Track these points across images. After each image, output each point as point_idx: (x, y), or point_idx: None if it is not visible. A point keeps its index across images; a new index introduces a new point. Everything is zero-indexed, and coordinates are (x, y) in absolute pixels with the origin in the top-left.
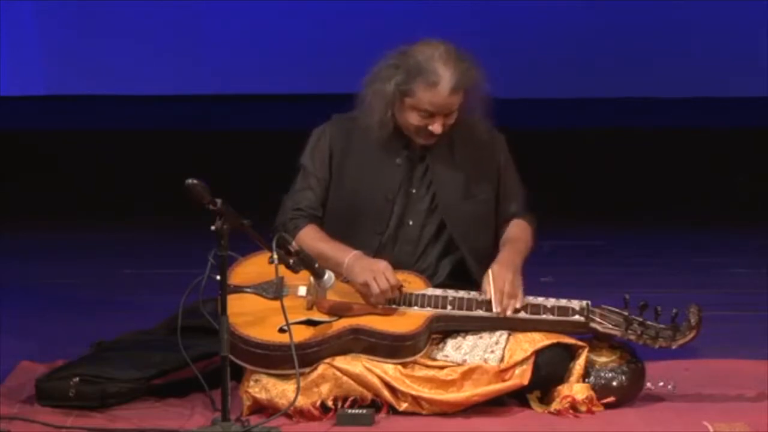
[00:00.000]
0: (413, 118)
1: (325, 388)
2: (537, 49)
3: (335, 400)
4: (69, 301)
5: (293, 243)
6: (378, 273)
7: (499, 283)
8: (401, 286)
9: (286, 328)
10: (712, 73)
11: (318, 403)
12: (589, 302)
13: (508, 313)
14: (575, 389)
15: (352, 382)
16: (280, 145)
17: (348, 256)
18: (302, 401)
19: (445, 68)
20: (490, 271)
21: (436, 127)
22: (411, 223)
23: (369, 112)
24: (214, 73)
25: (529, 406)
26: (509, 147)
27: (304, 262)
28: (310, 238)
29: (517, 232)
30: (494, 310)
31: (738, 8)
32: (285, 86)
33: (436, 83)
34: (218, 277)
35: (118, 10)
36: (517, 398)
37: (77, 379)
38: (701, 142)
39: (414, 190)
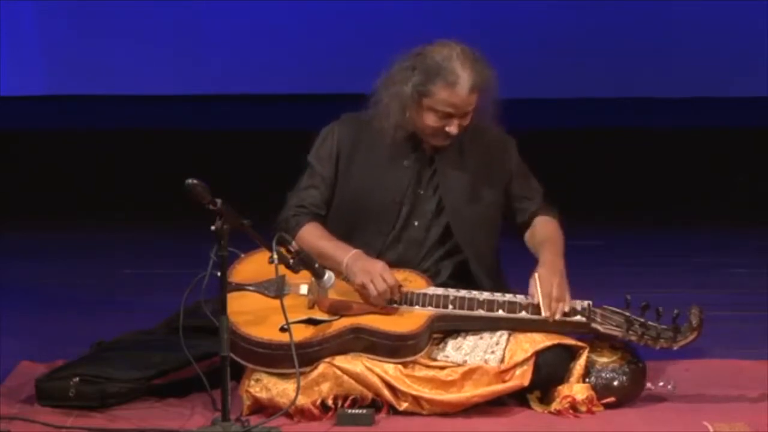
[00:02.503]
0: (430, 120)
1: (325, 387)
2: (537, 49)
3: (335, 399)
4: (69, 301)
5: (293, 243)
6: (375, 275)
7: (546, 287)
8: (400, 285)
9: (286, 327)
10: (712, 73)
11: (318, 402)
12: (591, 302)
13: (557, 316)
14: (575, 389)
15: (352, 381)
16: (280, 145)
17: (347, 256)
18: (302, 400)
19: (463, 68)
20: (536, 275)
21: (453, 128)
22: (417, 224)
23: (385, 115)
24: (214, 73)
25: (529, 406)
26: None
27: (304, 261)
28: (312, 235)
29: (550, 231)
30: (543, 314)
31: (738, 8)
32: (285, 86)
33: (455, 83)
34: (219, 275)
35: (118, 10)
36: (517, 398)
37: (77, 379)
38: (701, 142)
39: (421, 191)
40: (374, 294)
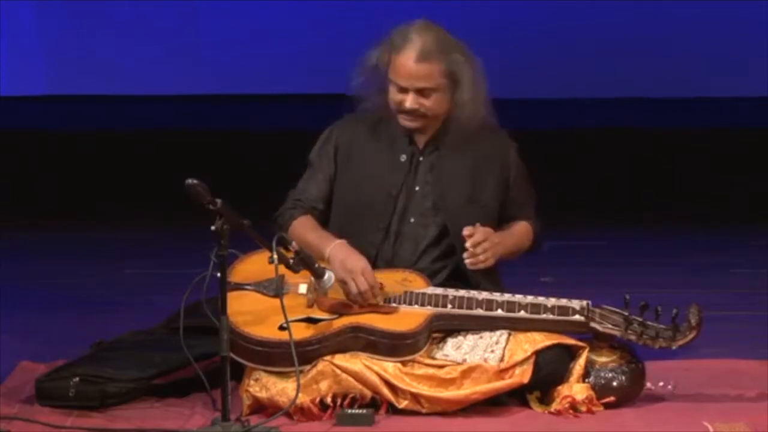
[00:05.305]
0: (392, 93)
1: (324, 385)
2: (537, 49)
3: (334, 398)
4: (69, 301)
5: (293, 243)
6: (356, 274)
7: (482, 231)
8: (381, 285)
9: (286, 325)
10: (712, 73)
11: (317, 400)
12: (590, 302)
13: (480, 257)
14: (575, 389)
15: (351, 379)
16: (280, 145)
17: (330, 246)
18: (302, 398)
19: (416, 36)
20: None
21: (408, 102)
22: (413, 220)
23: (365, 96)
24: (214, 73)
25: (529, 406)
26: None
27: (304, 261)
28: (302, 227)
29: (516, 231)
30: (467, 243)
31: (738, 8)
32: (285, 86)
33: (403, 48)
34: (219, 275)
35: (118, 10)
36: (517, 398)
37: (77, 379)
38: (701, 142)
39: (418, 188)
40: (354, 293)
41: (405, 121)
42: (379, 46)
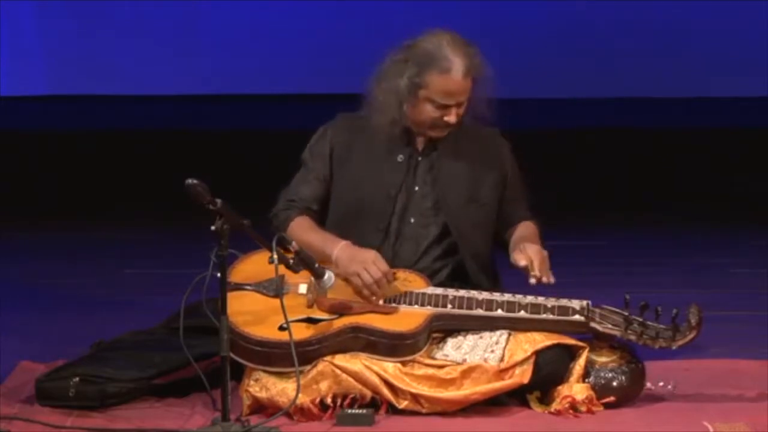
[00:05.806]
0: (428, 111)
1: (324, 386)
2: (537, 49)
3: (334, 398)
4: (69, 301)
5: (293, 243)
6: (368, 263)
7: (538, 254)
8: (393, 273)
9: (286, 326)
10: (712, 73)
11: (317, 401)
12: (590, 302)
13: (548, 279)
14: (575, 389)
15: (351, 379)
16: (280, 145)
17: (337, 247)
18: (302, 398)
19: (455, 54)
20: (524, 244)
21: (452, 117)
22: (413, 221)
23: (380, 111)
24: (214, 73)
25: (529, 407)
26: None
27: (304, 261)
28: (301, 227)
29: (530, 235)
30: (533, 276)
31: (738, 8)
32: (285, 86)
33: (449, 69)
34: (219, 275)
35: (118, 10)
36: (517, 398)
37: (77, 379)
38: (701, 142)
39: (417, 188)
40: (369, 282)
41: (437, 132)
42: (406, 65)
